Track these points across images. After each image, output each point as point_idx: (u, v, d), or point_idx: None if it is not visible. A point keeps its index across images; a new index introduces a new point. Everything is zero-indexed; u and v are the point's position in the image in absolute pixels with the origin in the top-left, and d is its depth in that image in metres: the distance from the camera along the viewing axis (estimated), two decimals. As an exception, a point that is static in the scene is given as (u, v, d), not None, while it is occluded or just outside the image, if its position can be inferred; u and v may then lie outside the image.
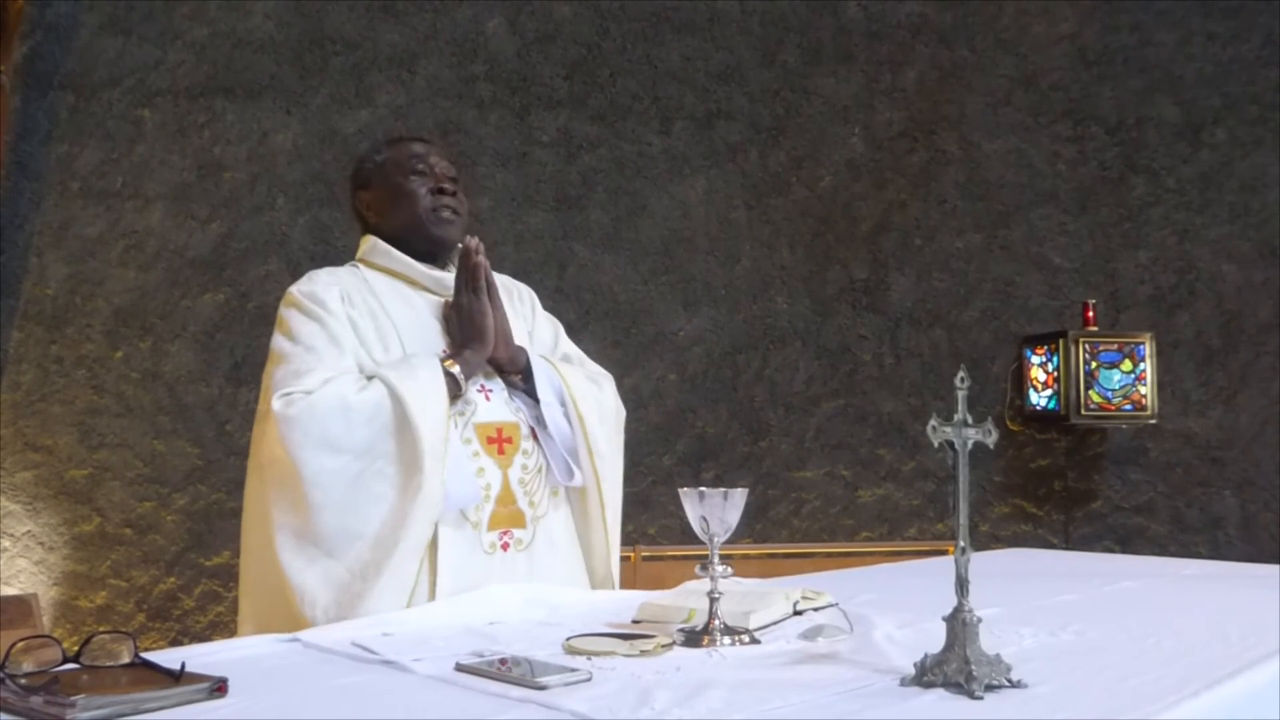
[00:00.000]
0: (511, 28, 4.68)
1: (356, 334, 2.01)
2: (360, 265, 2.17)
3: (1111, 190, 4.98)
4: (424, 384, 1.91)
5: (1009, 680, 1.26)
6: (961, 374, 1.34)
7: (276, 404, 1.88)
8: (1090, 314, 4.72)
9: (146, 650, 1.30)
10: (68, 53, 4.27)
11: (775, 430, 4.80)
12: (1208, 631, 1.61)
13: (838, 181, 4.91)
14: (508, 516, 2.01)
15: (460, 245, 2.10)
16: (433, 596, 1.90)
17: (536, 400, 2.09)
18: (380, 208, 2.19)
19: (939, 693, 1.24)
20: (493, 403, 2.05)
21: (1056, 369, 4.68)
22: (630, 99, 4.77)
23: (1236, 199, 4.98)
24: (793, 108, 4.90)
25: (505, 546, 2.00)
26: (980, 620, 1.28)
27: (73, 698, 1.09)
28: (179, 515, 4.25)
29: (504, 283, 2.27)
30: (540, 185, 4.67)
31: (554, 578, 2.06)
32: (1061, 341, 4.66)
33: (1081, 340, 4.63)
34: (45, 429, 4.18)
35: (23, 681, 1.16)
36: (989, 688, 1.23)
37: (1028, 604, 1.89)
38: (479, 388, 2.05)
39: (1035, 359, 4.80)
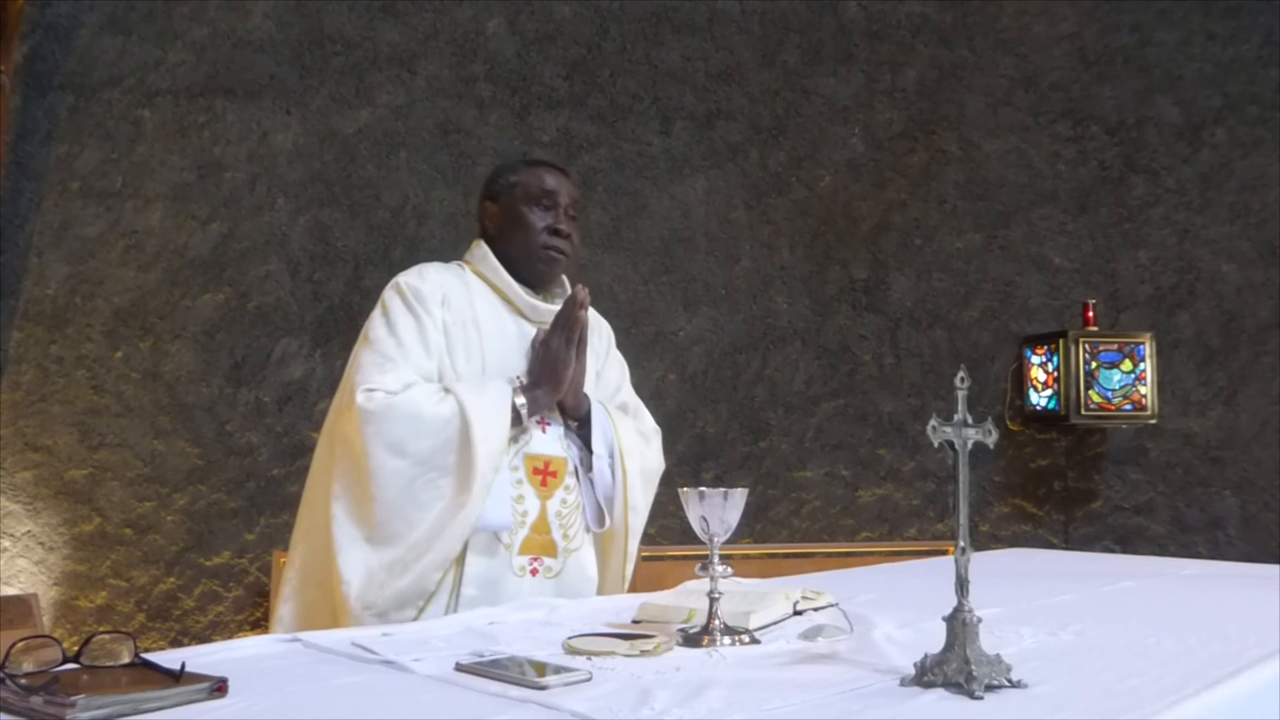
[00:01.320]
0: (511, 28, 4.68)
1: (447, 339, 2.09)
2: (465, 266, 2.24)
3: (1111, 190, 4.98)
4: (492, 411, 1.99)
5: (1009, 680, 1.26)
6: (961, 374, 1.34)
7: (360, 397, 1.97)
8: (1090, 314, 4.72)
9: (146, 650, 1.30)
10: (68, 53, 4.26)
11: (775, 430, 4.80)
12: (1208, 631, 1.61)
13: (838, 181, 4.91)
14: (540, 544, 2.08)
15: (571, 290, 2.18)
16: (454, 607, 1.97)
17: (587, 445, 2.17)
18: (500, 225, 2.25)
19: (939, 693, 1.24)
20: (548, 435, 2.13)
21: (1056, 369, 4.68)
22: (630, 99, 4.77)
23: (1236, 199, 4.97)
24: (793, 108, 4.90)
25: (534, 572, 2.07)
26: (980, 620, 1.28)
27: (73, 698, 1.09)
28: (179, 515, 4.25)
29: (590, 317, 2.33)
30: (540, 185, 4.66)
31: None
32: (1061, 341, 4.66)
33: (1081, 340, 4.62)
34: (45, 429, 4.18)
35: (23, 681, 1.16)
36: (989, 688, 1.23)
37: (1028, 604, 1.89)
38: (537, 420, 2.12)
39: (1035, 359, 4.80)
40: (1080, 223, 4.97)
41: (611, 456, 2.18)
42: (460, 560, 1.98)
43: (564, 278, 2.28)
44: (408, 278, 2.13)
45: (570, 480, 2.13)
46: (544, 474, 2.09)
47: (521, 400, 2.03)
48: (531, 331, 2.18)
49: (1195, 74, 5.00)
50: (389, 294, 2.11)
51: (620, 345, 2.47)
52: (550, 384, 2.08)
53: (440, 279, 2.15)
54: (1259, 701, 1.34)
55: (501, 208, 2.23)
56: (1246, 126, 4.99)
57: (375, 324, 2.08)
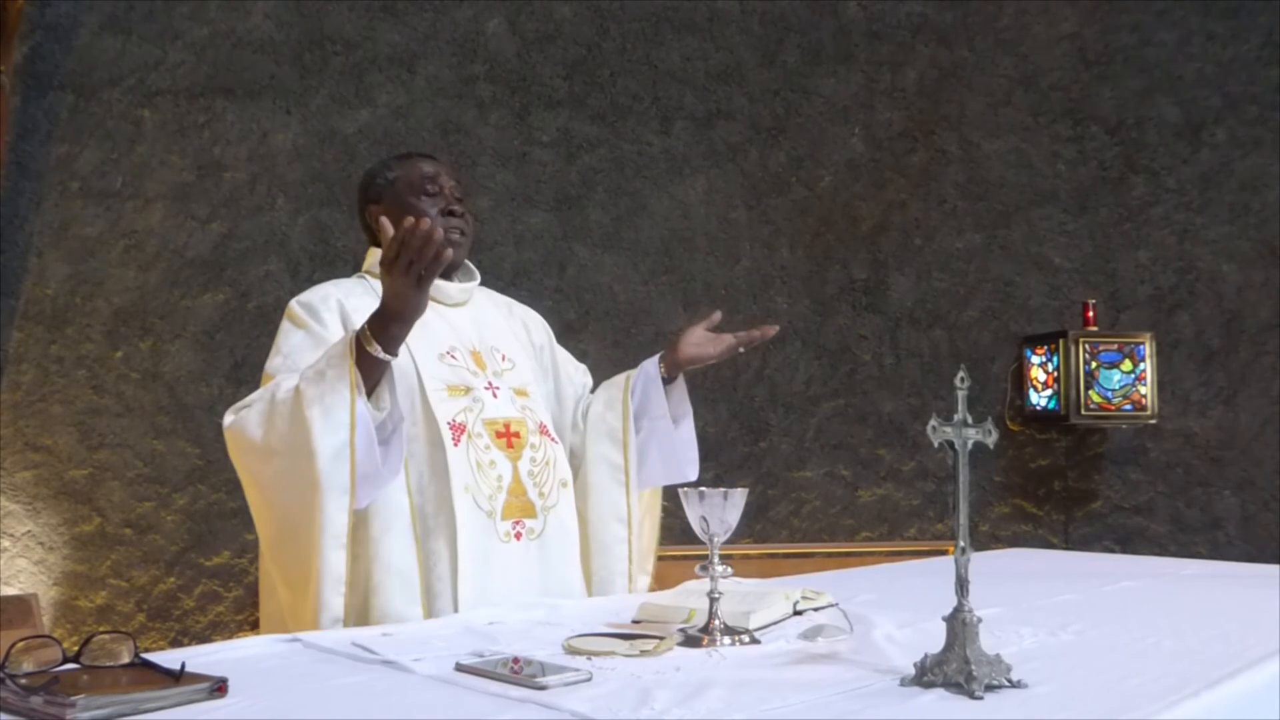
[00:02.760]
0: (511, 28, 4.68)
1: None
2: (367, 276, 2.21)
3: (1111, 190, 4.98)
4: (326, 370, 1.82)
5: (1009, 680, 1.26)
6: (961, 374, 1.33)
7: (225, 421, 1.94)
8: (1090, 314, 4.72)
9: (146, 650, 1.30)
10: (68, 53, 4.26)
11: (775, 430, 4.80)
12: (1208, 631, 1.61)
13: (838, 181, 4.91)
14: (519, 506, 2.06)
15: (473, 270, 2.21)
16: (455, 583, 1.94)
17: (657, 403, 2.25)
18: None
19: (939, 693, 1.24)
20: (499, 400, 2.11)
21: (1056, 369, 4.68)
22: (630, 99, 4.77)
23: (1236, 199, 4.97)
24: (793, 108, 4.90)
25: (519, 536, 2.05)
26: (980, 620, 1.28)
27: (73, 698, 1.09)
28: (179, 515, 4.25)
29: (515, 309, 2.38)
30: (540, 185, 4.67)
31: (569, 563, 2.13)
32: (1061, 341, 4.66)
33: (1081, 340, 4.62)
34: (45, 429, 4.17)
35: (23, 681, 1.16)
36: (989, 688, 1.23)
37: (1028, 604, 1.88)
38: (486, 385, 2.10)
39: (1035, 359, 4.80)
40: (1080, 223, 4.97)
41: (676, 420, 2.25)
42: (452, 537, 1.95)
43: (468, 262, 2.26)
44: (298, 296, 2.10)
45: (535, 439, 2.11)
46: (507, 436, 2.07)
47: (376, 347, 1.81)
48: (446, 312, 2.16)
49: (1195, 74, 5.00)
50: (282, 321, 2.08)
51: (620, 345, 2.48)
52: (398, 320, 1.82)
53: (332, 289, 2.12)
54: (1259, 701, 1.34)
55: (386, 208, 2.17)
56: (1246, 126, 4.99)
57: (270, 356, 2.03)
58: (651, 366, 2.28)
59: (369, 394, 1.84)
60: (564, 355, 2.41)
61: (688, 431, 2.30)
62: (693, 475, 2.30)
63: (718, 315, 2.33)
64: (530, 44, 4.69)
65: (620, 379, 2.32)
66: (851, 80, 4.93)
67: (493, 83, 4.65)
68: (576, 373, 2.40)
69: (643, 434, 2.26)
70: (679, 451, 2.28)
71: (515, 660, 1.34)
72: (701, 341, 2.29)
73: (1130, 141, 4.99)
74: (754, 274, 4.83)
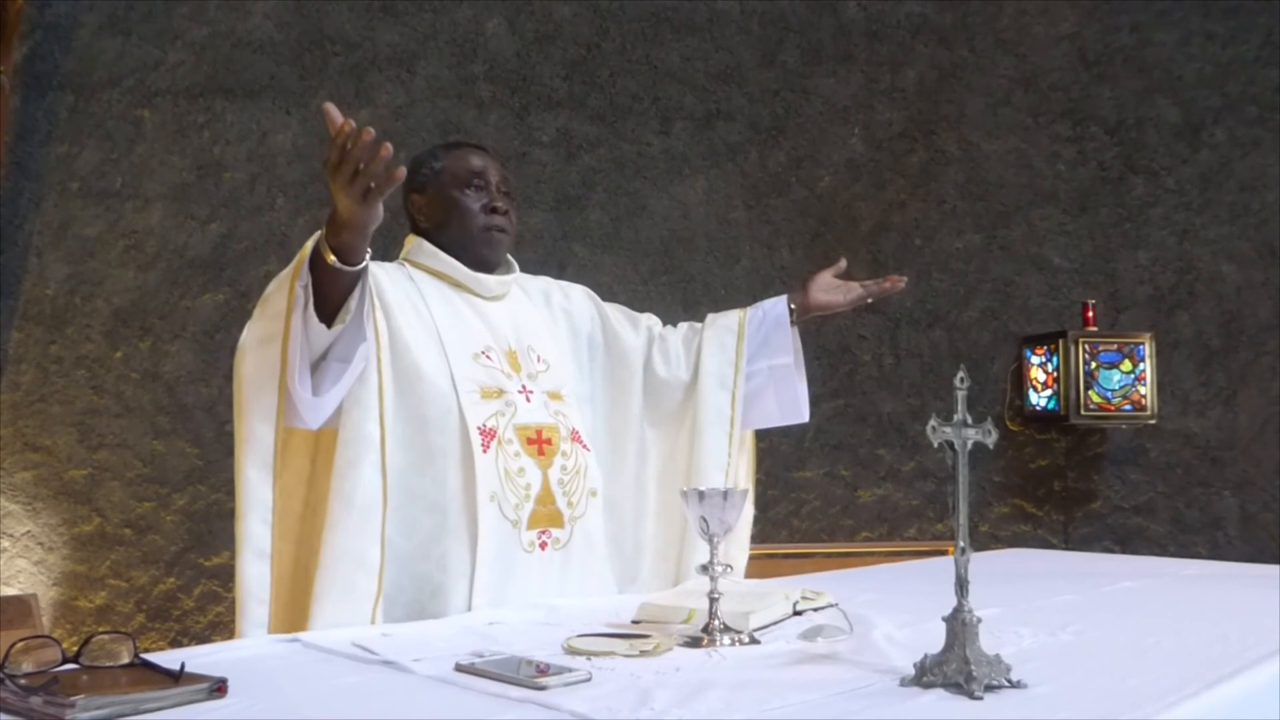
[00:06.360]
0: (511, 28, 4.68)
1: (390, 321, 1.98)
2: (407, 264, 2.18)
3: (1111, 190, 4.98)
4: (266, 301, 1.83)
5: (1009, 680, 1.26)
6: (961, 374, 1.34)
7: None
8: (1090, 314, 4.71)
9: (146, 650, 1.30)
10: (68, 53, 4.26)
11: (775, 430, 4.77)
12: (1208, 631, 1.61)
13: (838, 181, 4.91)
14: (546, 516, 2.03)
15: (512, 265, 2.22)
16: (471, 590, 1.91)
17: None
18: (433, 215, 2.18)
19: (939, 693, 1.24)
20: (533, 404, 2.07)
21: (1056, 369, 4.68)
22: (630, 99, 4.77)
23: (1236, 199, 4.97)
24: (793, 108, 4.90)
25: (544, 545, 2.01)
26: (980, 620, 1.28)
27: (72, 698, 1.09)
28: (179, 515, 4.25)
29: (554, 298, 2.37)
30: (540, 185, 4.67)
31: (591, 575, 2.10)
32: (1061, 341, 4.66)
33: (1081, 340, 4.62)
34: (45, 429, 4.17)
35: (23, 681, 1.16)
36: (989, 688, 1.23)
37: (1028, 604, 1.89)
38: (520, 388, 2.07)
39: (1035, 359, 4.79)
40: (1080, 223, 4.96)
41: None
42: (473, 544, 1.92)
43: (509, 257, 2.24)
44: None
45: (566, 446, 2.07)
46: (539, 443, 2.03)
47: (331, 257, 1.72)
48: (483, 307, 2.14)
49: (1195, 74, 5.00)
50: None
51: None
52: (348, 229, 1.70)
53: (376, 268, 2.05)
54: (1259, 701, 1.34)
55: (430, 198, 2.17)
56: (1246, 126, 4.98)
57: None
58: (780, 309, 2.33)
59: (338, 303, 1.77)
60: (619, 321, 2.40)
61: (802, 374, 2.35)
62: (807, 417, 2.37)
63: (843, 262, 2.34)
64: (530, 44, 4.69)
65: (732, 321, 2.35)
66: (851, 80, 4.93)
67: (492, 83, 4.65)
68: (635, 335, 2.38)
69: (759, 377, 2.32)
70: (798, 394, 2.34)
71: (532, 666, 1.32)
72: (831, 288, 2.32)
73: (1130, 142, 4.99)
74: (754, 274, 4.83)
